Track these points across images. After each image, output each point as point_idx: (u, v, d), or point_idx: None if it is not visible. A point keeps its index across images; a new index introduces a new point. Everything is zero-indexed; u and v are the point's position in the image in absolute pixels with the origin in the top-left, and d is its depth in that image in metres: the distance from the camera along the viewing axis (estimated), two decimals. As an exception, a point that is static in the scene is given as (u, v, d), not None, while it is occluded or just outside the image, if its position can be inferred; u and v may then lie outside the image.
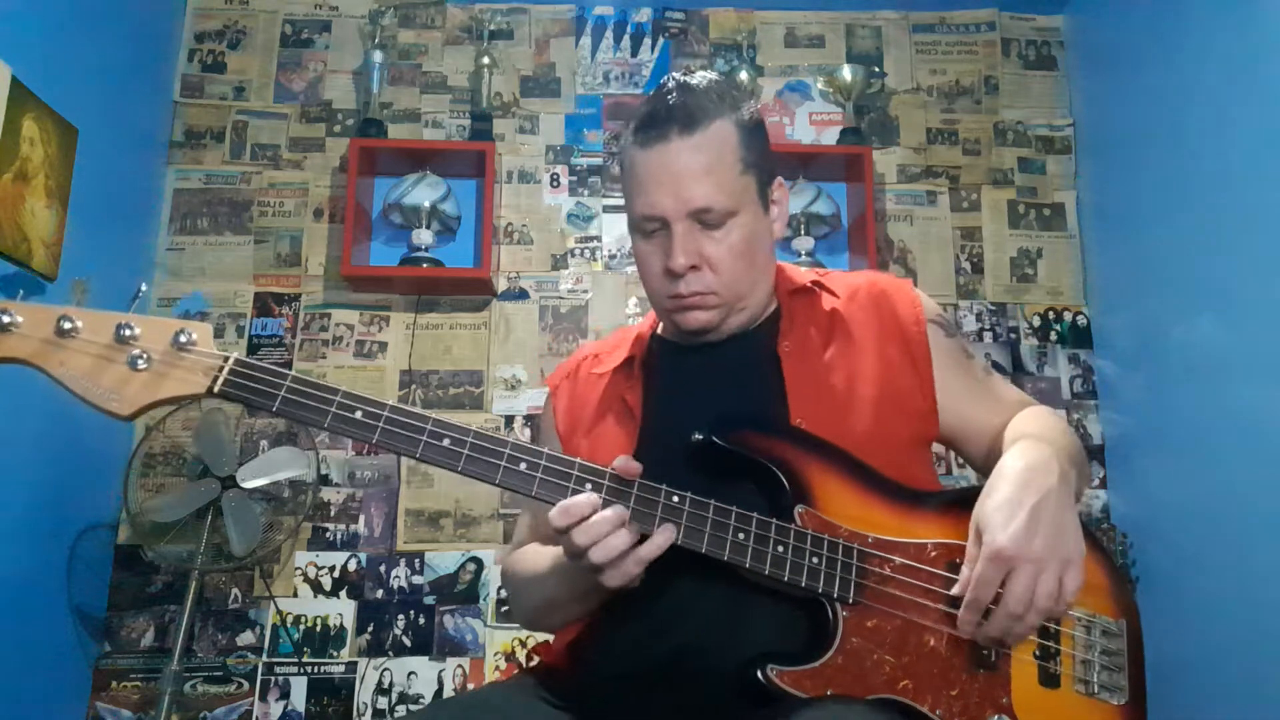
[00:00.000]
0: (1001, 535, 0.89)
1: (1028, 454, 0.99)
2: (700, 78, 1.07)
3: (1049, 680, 0.97)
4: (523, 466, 0.91)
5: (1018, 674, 0.95)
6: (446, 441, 0.91)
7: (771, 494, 0.97)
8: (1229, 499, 2.01)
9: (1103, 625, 1.00)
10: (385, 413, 0.91)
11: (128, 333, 0.90)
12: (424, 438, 0.91)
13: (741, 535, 0.91)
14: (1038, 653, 0.96)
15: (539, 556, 1.10)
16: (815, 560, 0.92)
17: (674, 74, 1.09)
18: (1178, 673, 2.15)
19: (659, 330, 1.20)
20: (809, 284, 1.16)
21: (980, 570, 0.90)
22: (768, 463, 0.97)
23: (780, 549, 0.92)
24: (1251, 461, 1.94)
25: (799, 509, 0.95)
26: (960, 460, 1.91)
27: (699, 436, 0.98)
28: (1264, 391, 1.91)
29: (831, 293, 1.15)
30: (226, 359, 0.92)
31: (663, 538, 0.90)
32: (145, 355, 0.90)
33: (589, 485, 0.90)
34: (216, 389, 0.91)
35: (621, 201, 1.49)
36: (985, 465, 1.15)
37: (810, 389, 1.05)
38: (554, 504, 0.90)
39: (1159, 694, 2.33)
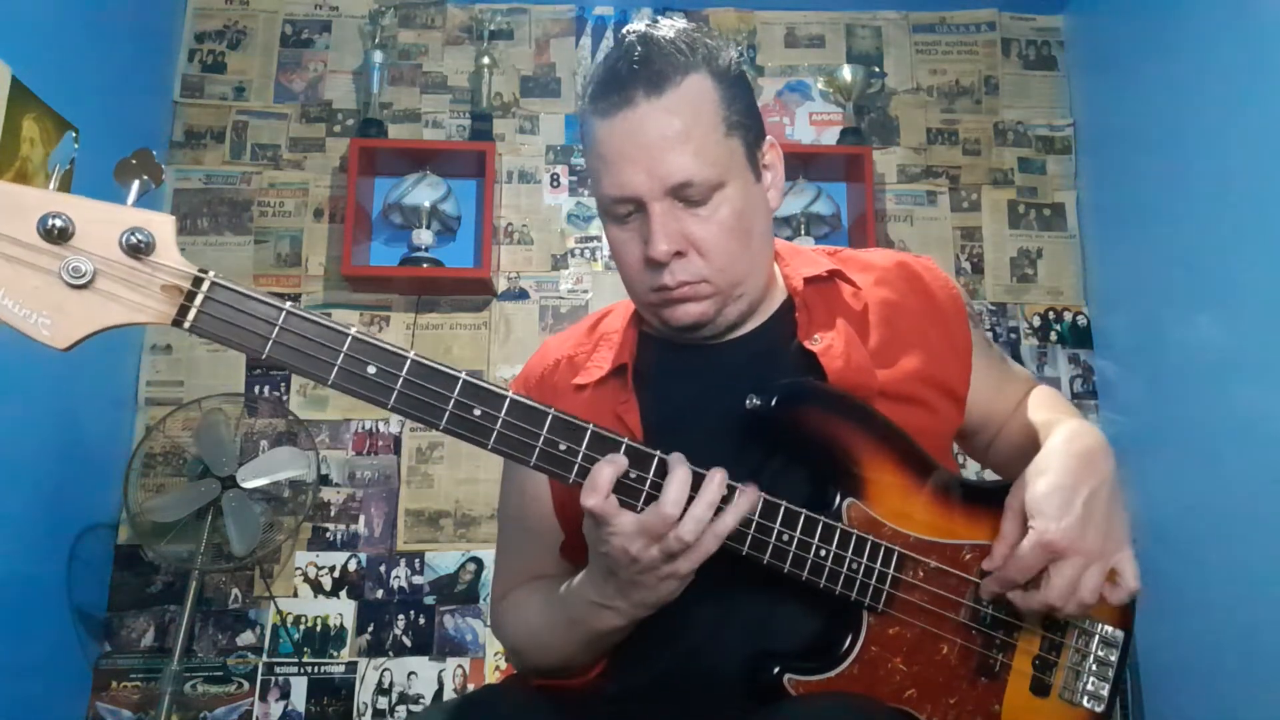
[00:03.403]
0: (1054, 525, 0.84)
1: (1080, 439, 0.93)
2: (667, 26, 0.91)
3: (1041, 689, 0.95)
4: (562, 448, 0.79)
5: (1014, 683, 0.94)
6: (477, 412, 0.76)
7: (820, 477, 0.90)
8: (1229, 499, 2.01)
9: (1103, 635, 0.99)
10: (403, 373, 0.74)
11: (57, 224, 0.65)
12: (449, 406, 0.75)
13: (785, 537, 0.84)
14: (1037, 661, 0.95)
15: (549, 607, 0.94)
16: (854, 567, 0.86)
17: (635, 25, 0.92)
18: (1177, 672, 2.15)
19: (644, 327, 1.04)
20: (826, 273, 1.03)
21: (1024, 554, 0.85)
22: (825, 443, 0.90)
23: (822, 553, 0.85)
24: (1252, 462, 1.94)
25: (848, 503, 0.89)
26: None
27: (756, 401, 0.88)
28: (1264, 391, 1.91)
29: (851, 283, 1.03)
30: (200, 278, 0.69)
31: (747, 500, 0.80)
32: (84, 265, 0.66)
33: (633, 475, 0.80)
34: (188, 323, 0.69)
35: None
36: (988, 453, 1.13)
37: (856, 385, 0.94)
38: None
39: (1159, 694, 2.33)
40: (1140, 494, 2.40)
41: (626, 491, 0.80)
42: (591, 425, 0.80)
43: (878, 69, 2.80)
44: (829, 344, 0.96)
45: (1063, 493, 0.86)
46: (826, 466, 0.90)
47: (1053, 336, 2.66)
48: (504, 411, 0.77)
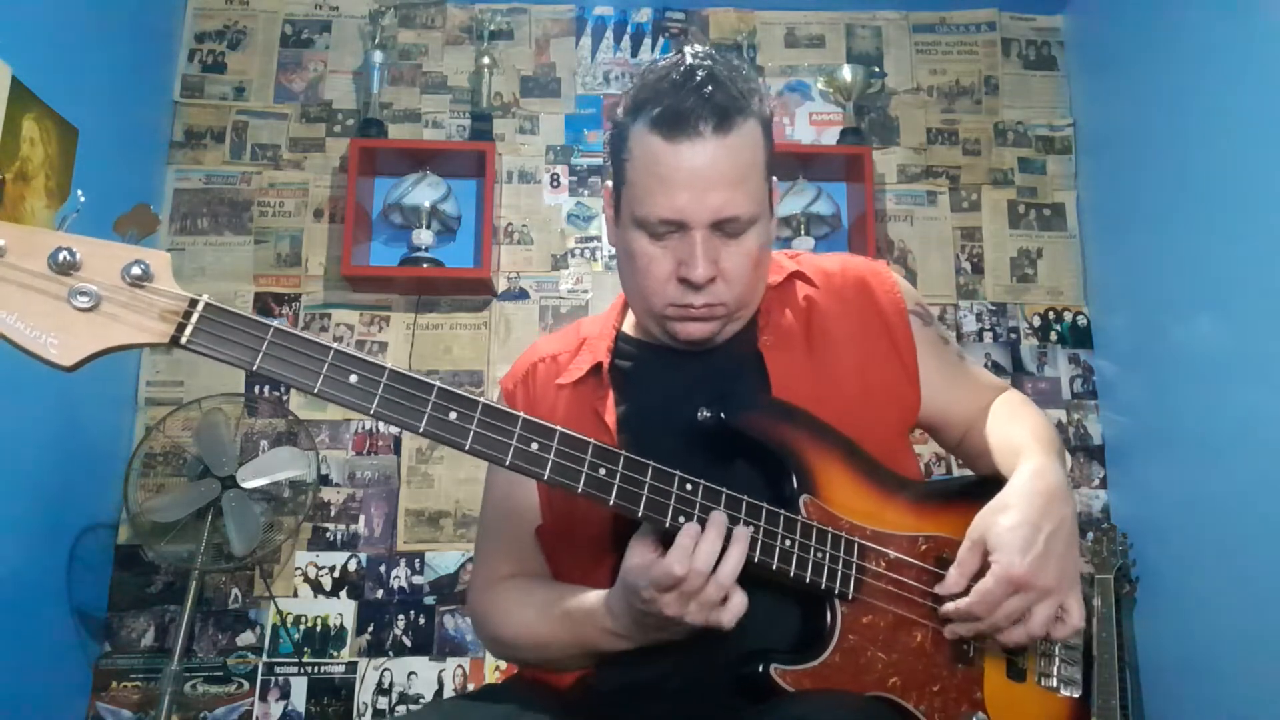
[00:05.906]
0: (1019, 560, 0.89)
1: (1043, 477, 0.97)
2: (723, 65, 0.96)
3: (1016, 674, 0.99)
4: (534, 447, 0.84)
5: (990, 669, 0.98)
6: (453, 415, 0.82)
7: (774, 479, 0.95)
8: (1229, 499, 2.01)
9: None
10: (384, 379, 0.80)
11: (66, 258, 0.72)
12: (428, 410, 0.81)
13: (751, 529, 0.89)
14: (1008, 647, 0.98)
15: (552, 616, 0.98)
16: (819, 555, 0.91)
17: (693, 55, 0.96)
18: (1177, 672, 2.16)
19: (624, 328, 1.12)
20: (785, 278, 1.11)
21: (989, 588, 0.90)
22: (777, 448, 0.95)
23: (788, 543, 0.90)
24: (1251, 462, 1.94)
25: (804, 499, 0.94)
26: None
27: (706, 414, 0.95)
28: (1264, 391, 1.91)
29: (810, 281, 1.11)
30: (194, 301, 0.76)
31: (738, 551, 0.85)
32: (90, 291, 0.73)
33: (603, 470, 0.85)
34: (184, 339, 0.75)
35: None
36: (960, 448, 1.17)
37: (794, 382, 1.02)
38: (571, 488, 0.84)
39: (1159, 693, 2.33)
40: (1140, 494, 2.42)
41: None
42: (560, 428, 0.85)
43: (878, 69, 2.80)
44: (776, 349, 1.04)
45: (1026, 529, 0.91)
46: (782, 468, 0.95)
47: (1053, 336, 2.66)
48: (478, 412, 0.83)
